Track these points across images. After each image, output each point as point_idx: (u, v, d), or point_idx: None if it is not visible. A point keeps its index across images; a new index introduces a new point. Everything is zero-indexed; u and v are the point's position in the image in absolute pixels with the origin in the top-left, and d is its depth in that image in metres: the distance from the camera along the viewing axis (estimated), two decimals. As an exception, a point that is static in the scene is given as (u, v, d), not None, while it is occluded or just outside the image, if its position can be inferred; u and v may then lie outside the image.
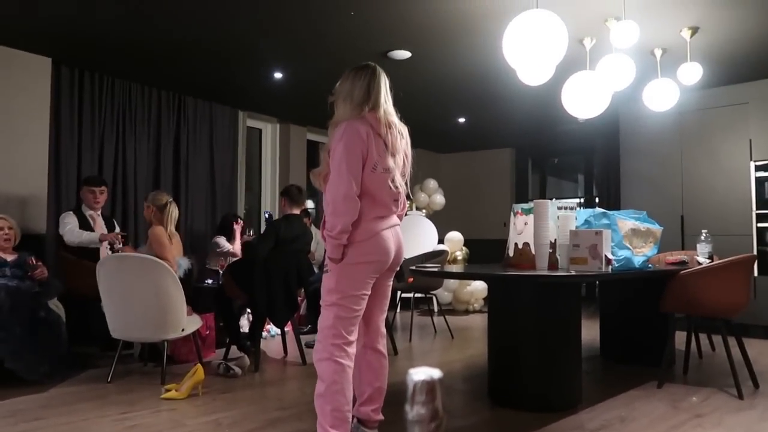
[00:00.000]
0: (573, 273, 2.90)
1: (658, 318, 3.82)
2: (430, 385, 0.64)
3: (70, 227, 4.35)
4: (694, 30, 4.20)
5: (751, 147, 5.46)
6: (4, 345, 3.37)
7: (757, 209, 5.39)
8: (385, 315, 2.48)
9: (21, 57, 4.56)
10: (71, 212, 4.49)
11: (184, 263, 4.08)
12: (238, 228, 5.47)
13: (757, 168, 5.43)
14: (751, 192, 5.42)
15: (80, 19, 4.00)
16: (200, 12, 3.91)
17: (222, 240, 5.35)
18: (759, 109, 5.46)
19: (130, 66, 5.03)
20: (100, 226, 4.60)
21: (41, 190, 4.69)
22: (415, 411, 0.63)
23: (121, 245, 4.29)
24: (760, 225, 5.37)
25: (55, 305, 3.89)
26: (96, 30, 4.21)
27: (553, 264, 3.08)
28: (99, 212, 4.62)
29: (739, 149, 5.53)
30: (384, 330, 2.47)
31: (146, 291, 3.58)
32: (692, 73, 4.31)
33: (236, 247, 5.34)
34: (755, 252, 5.29)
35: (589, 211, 3.33)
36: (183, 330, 3.72)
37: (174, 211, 3.99)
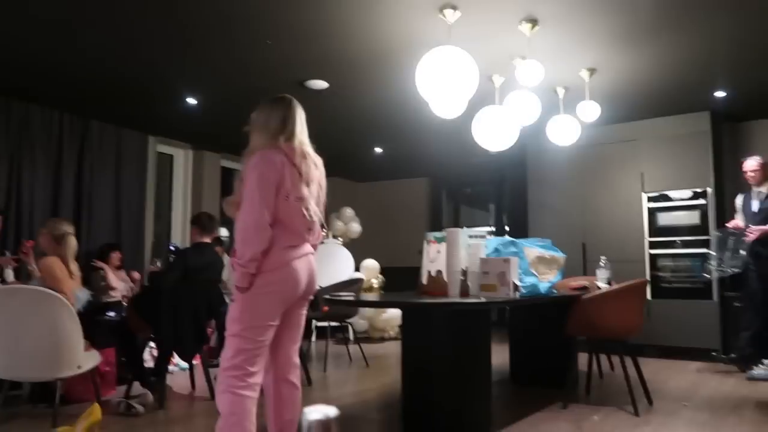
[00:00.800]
0: (483, 300, 2.98)
1: (562, 342, 3.99)
2: (325, 426, 0.62)
3: None
4: (592, 71, 4.53)
5: (643, 180, 5.91)
6: None
7: (649, 236, 5.82)
8: (298, 345, 2.44)
9: None
10: None
11: (83, 296, 3.82)
12: (115, 258, 5.22)
13: (649, 199, 5.87)
14: (644, 221, 5.85)
15: (-29, 34, 3.74)
16: (110, 35, 3.76)
17: (97, 277, 5.08)
18: (648, 145, 5.93)
19: (30, 85, 4.73)
20: (-9, 257, 4.25)
21: None
22: None
23: (12, 273, 3.97)
24: (651, 251, 5.79)
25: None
26: (-11, 46, 3.94)
27: (464, 291, 3.16)
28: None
29: (633, 181, 5.96)
30: (297, 360, 2.42)
31: (39, 326, 3.31)
32: (590, 110, 4.62)
33: (109, 280, 5.06)
34: (648, 277, 5.69)
35: (499, 239, 3.46)
36: (79, 367, 3.45)
37: (73, 243, 3.75)
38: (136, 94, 4.96)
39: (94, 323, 4.57)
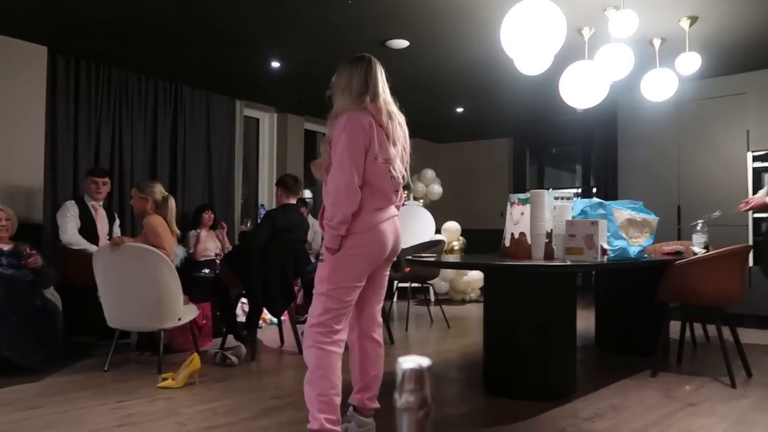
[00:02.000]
0: (569, 263, 2.90)
1: (652, 308, 3.83)
2: (418, 374, 0.64)
3: (71, 233, 4.33)
4: (693, 19, 4.18)
5: (749, 137, 5.45)
6: (0, 333, 3.37)
7: (753, 200, 5.39)
8: (381, 304, 2.49)
9: (16, 45, 4.53)
10: (73, 202, 4.48)
11: (180, 252, 4.07)
12: (208, 219, 5.47)
13: (755, 158, 5.43)
14: (748, 182, 5.42)
15: (76, 7, 3.97)
16: (195, 3, 3.88)
17: (192, 236, 5.37)
18: (757, 99, 5.45)
19: (127, 54, 5.01)
20: (102, 217, 4.61)
21: (38, 180, 4.68)
22: (403, 399, 0.63)
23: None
24: (755, 215, 5.37)
25: (52, 294, 3.89)
26: (92, 18, 4.18)
27: (549, 254, 3.09)
28: (101, 203, 4.62)
29: (737, 140, 5.52)
30: (380, 319, 2.48)
31: (143, 280, 3.59)
32: (691, 62, 4.29)
33: (200, 245, 5.32)
34: (750, 242, 5.30)
35: (586, 201, 3.33)
36: (180, 319, 3.72)
37: (173, 206, 3.97)
38: (224, 59, 5.12)
39: (191, 279, 4.89)
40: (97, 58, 5.08)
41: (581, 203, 3.29)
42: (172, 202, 3.95)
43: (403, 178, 2.33)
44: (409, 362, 0.62)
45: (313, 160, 2.33)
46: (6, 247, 3.77)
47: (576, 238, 2.99)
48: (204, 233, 5.42)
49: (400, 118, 2.34)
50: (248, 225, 4.79)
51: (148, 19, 4.22)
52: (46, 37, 4.56)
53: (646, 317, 4.03)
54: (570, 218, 3.14)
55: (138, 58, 5.10)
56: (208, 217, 5.50)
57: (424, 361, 0.62)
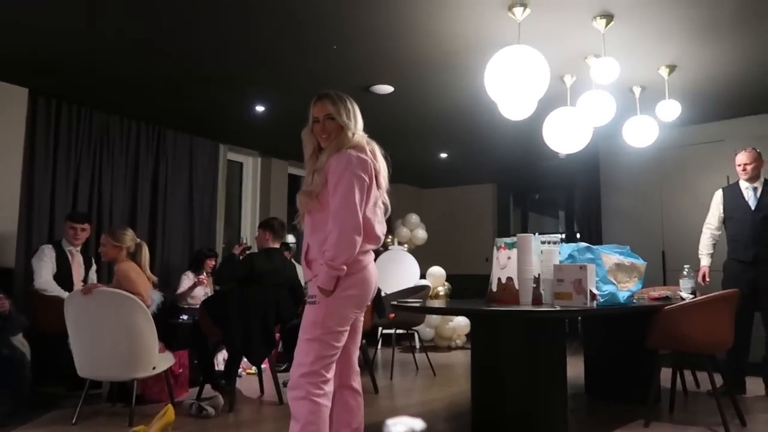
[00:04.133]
0: (558, 308, 2.84)
1: (642, 354, 3.75)
2: None
3: (45, 278, 4.18)
4: (672, 68, 4.28)
5: (729, 183, 5.52)
6: (-37, 384, 3.19)
7: (736, 245, 5.41)
8: (359, 351, 2.39)
9: (-4, 87, 4.48)
10: (51, 246, 4.35)
11: (157, 297, 3.94)
12: (209, 266, 5.35)
13: (735, 204, 5.47)
14: (730, 228, 5.45)
15: (58, 49, 3.95)
16: (181, 45, 3.88)
17: (185, 279, 5.23)
18: (735, 146, 5.52)
19: (109, 97, 4.97)
20: (78, 263, 4.47)
21: (12, 222, 4.55)
22: None
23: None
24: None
25: (20, 342, 3.71)
26: (74, 60, 4.15)
27: (537, 299, 3.02)
28: (78, 248, 4.48)
29: (718, 185, 5.55)
30: (358, 367, 2.38)
31: (116, 327, 3.44)
32: (670, 110, 4.36)
33: (185, 289, 5.22)
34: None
35: (573, 245, 3.29)
36: (154, 368, 3.56)
37: (147, 253, 3.87)
38: (208, 102, 5.11)
39: (168, 326, 4.72)
40: (79, 101, 5.04)
41: (568, 247, 3.25)
42: (145, 249, 3.85)
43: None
44: (399, 426, 0.52)
45: (304, 188, 2.23)
46: (-27, 292, 3.61)
47: (564, 282, 2.93)
48: (203, 279, 5.26)
49: (384, 160, 2.31)
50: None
51: (131, 62, 4.20)
52: (28, 78, 4.52)
53: (636, 364, 3.95)
54: (557, 263, 3.09)
55: (120, 101, 5.06)
56: (210, 264, 5.37)
57: (417, 425, 0.53)
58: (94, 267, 4.64)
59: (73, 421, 3.40)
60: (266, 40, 3.80)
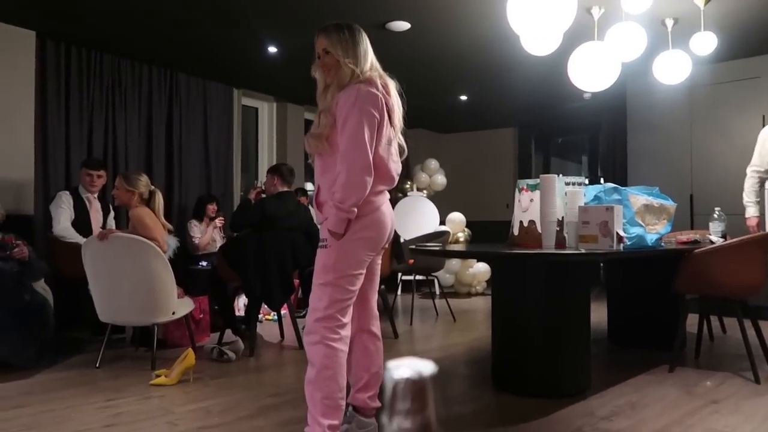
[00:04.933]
0: (583, 251, 2.73)
1: (667, 300, 3.66)
2: (417, 387, 0.43)
3: (63, 225, 4.17)
4: (708, -3, 3.99)
5: (764, 122, 5.25)
6: (-14, 329, 3.23)
7: (770, 187, 5.21)
8: (377, 295, 2.33)
9: (2, 30, 4.35)
10: (68, 192, 4.33)
11: (173, 243, 3.92)
12: (213, 211, 5.31)
13: (771, 144, 5.23)
14: (764, 169, 5.22)
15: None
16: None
17: (194, 228, 5.21)
18: (773, 83, 5.25)
19: (119, 40, 4.83)
20: (96, 210, 4.46)
21: (28, 170, 4.53)
22: (395, 426, 0.42)
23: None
24: (773, 203, 5.18)
25: (42, 288, 3.74)
26: (83, 1, 4.00)
27: (560, 242, 2.91)
28: (96, 195, 4.46)
29: (752, 125, 5.31)
30: (377, 311, 2.32)
31: (133, 272, 3.43)
32: (706, 42, 4.10)
33: (205, 237, 5.20)
34: (768, 231, 5.12)
35: (599, 186, 3.16)
36: (174, 313, 3.57)
37: (161, 200, 3.81)
38: (220, 43, 4.94)
39: (188, 272, 4.74)
40: (89, 44, 4.91)
41: (594, 188, 3.11)
42: (159, 196, 3.79)
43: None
44: (404, 370, 0.43)
45: (311, 131, 2.11)
46: (-8, 239, 3.62)
47: (590, 225, 2.81)
48: (209, 226, 5.26)
49: (398, 97, 2.17)
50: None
51: (140, 3, 4.04)
52: (34, 21, 4.38)
53: (661, 310, 3.86)
54: (582, 204, 2.96)
55: (131, 43, 4.92)
56: (212, 209, 5.34)
57: (426, 368, 0.43)
58: (112, 213, 4.62)
59: (97, 364, 3.45)
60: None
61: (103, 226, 4.46)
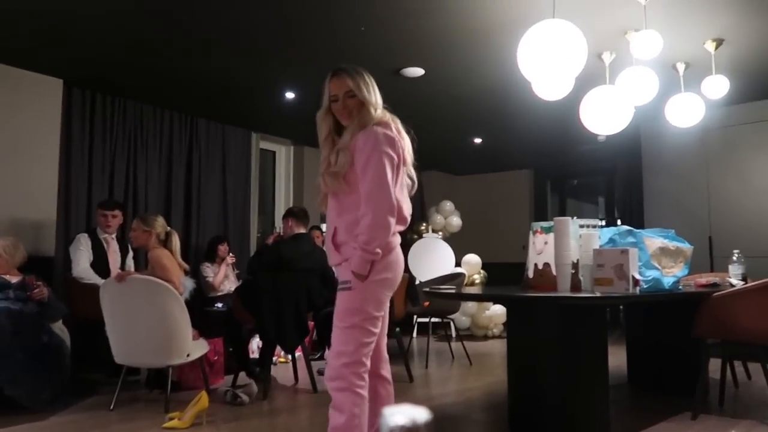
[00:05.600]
0: (598, 294, 2.71)
1: (689, 344, 3.58)
2: None
3: (82, 267, 4.25)
4: (719, 42, 4.05)
5: (782, 164, 5.24)
6: (5, 371, 3.26)
7: (790, 229, 5.14)
8: (386, 338, 2.32)
9: (32, 78, 4.54)
10: (86, 234, 4.42)
11: (189, 285, 3.96)
12: (224, 252, 5.36)
13: (788, 186, 5.20)
14: (783, 211, 5.18)
15: (91, 40, 3.98)
16: (211, 33, 3.86)
17: (207, 269, 5.27)
18: (788, 125, 5.25)
19: (142, 87, 5.01)
20: (114, 250, 4.53)
21: (51, 212, 4.64)
22: None
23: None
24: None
25: (60, 329, 3.78)
26: (107, 50, 4.18)
27: (575, 285, 2.89)
28: (113, 235, 4.55)
29: (767, 167, 5.31)
30: (387, 355, 2.30)
31: (150, 314, 3.46)
32: (718, 86, 4.14)
33: (219, 276, 5.24)
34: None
35: (614, 229, 3.15)
36: (188, 355, 3.57)
37: (177, 241, 3.86)
38: (239, 90, 5.09)
39: (203, 313, 4.75)
40: (113, 91, 5.09)
41: (609, 231, 3.10)
42: (175, 237, 3.84)
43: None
44: (398, 416, 0.43)
45: (328, 168, 2.10)
46: (14, 280, 3.68)
47: (605, 268, 2.80)
48: (221, 267, 5.31)
49: (408, 137, 2.21)
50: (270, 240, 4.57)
51: (162, 52, 4.21)
52: (63, 69, 4.57)
53: (682, 354, 3.77)
54: (597, 247, 2.95)
55: (153, 90, 5.09)
56: (223, 249, 5.40)
57: (421, 415, 0.43)
58: (130, 254, 4.70)
59: (111, 407, 3.44)
60: (296, 20, 3.73)
61: (122, 267, 4.53)
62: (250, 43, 4.07)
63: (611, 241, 3.03)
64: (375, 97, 2.14)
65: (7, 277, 3.68)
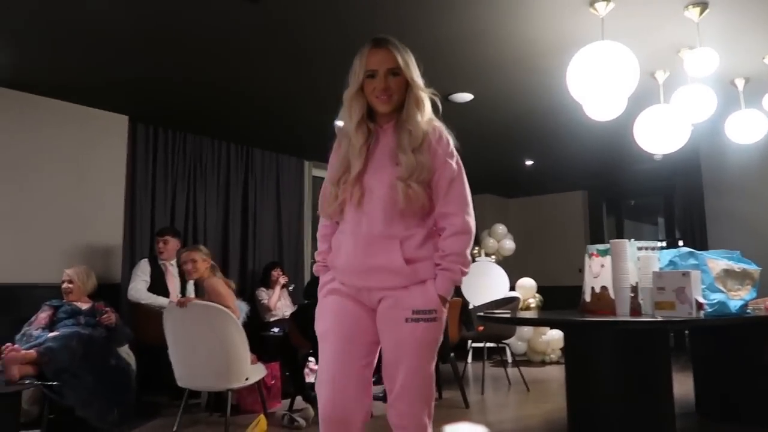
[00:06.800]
0: (660, 319, 2.63)
1: (761, 370, 3.41)
2: None
3: (136, 288, 4.43)
4: (780, 55, 3.92)
5: None
6: (76, 393, 3.41)
7: None
8: None
9: (100, 115, 4.83)
10: (146, 260, 4.63)
11: (244, 307, 4.07)
12: (277, 276, 5.47)
13: None
14: None
15: (156, 78, 4.21)
16: (266, 65, 4.02)
17: (262, 293, 5.39)
18: None
19: (202, 121, 5.24)
20: (172, 275, 4.71)
21: (117, 240, 4.88)
22: None
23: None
24: None
25: (126, 353, 3.95)
26: (170, 90, 4.42)
27: (635, 309, 2.82)
28: (172, 261, 4.73)
29: (842, 182, 5.03)
30: None
31: (210, 339, 3.57)
32: (781, 101, 3.99)
33: (273, 298, 5.34)
34: None
35: (674, 251, 3.06)
36: (247, 379, 3.66)
37: (220, 274, 3.98)
38: (293, 120, 5.25)
39: (260, 338, 4.85)
40: (174, 126, 5.35)
41: (669, 253, 3.02)
42: (218, 271, 3.96)
43: None
44: None
45: (406, 177, 1.71)
46: (84, 306, 3.89)
47: (665, 291, 2.72)
48: (275, 291, 5.43)
49: None
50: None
51: (221, 87, 4.40)
52: (129, 107, 4.85)
53: (754, 380, 3.59)
54: (657, 269, 2.87)
55: (211, 124, 5.32)
56: (277, 273, 5.52)
57: None
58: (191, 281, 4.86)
59: (174, 428, 3.55)
60: (346, 49, 3.84)
61: (183, 293, 4.69)
62: (301, 73, 4.20)
63: (672, 263, 2.95)
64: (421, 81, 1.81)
65: (79, 303, 3.89)
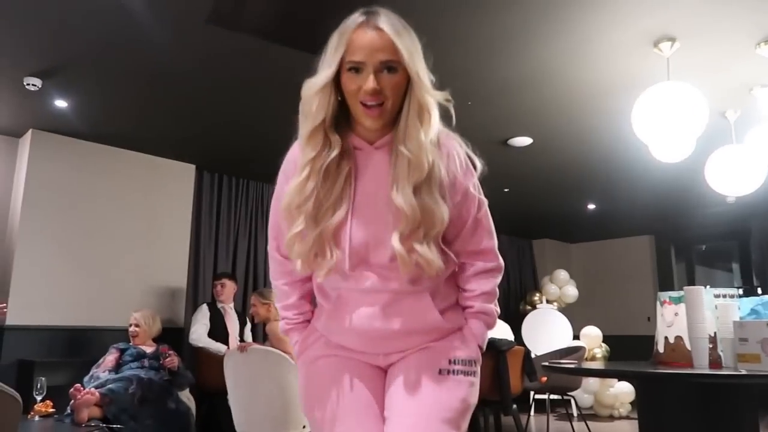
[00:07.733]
0: (744, 372, 2.43)
1: None
2: None
3: (195, 332, 4.49)
4: None
5: None
6: (136, 436, 3.46)
7: None
8: None
9: (169, 164, 5.08)
10: (206, 305, 4.72)
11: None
12: None
13: None
14: None
15: (222, 133, 4.40)
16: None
17: None
18: None
19: (262, 168, 5.40)
20: (232, 319, 4.77)
21: (181, 284, 5.02)
22: None
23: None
24: None
25: (187, 397, 3.99)
26: (235, 140, 4.61)
27: (715, 362, 2.61)
28: (231, 305, 4.81)
29: None
30: None
31: (269, 385, 3.56)
32: None
33: None
34: None
35: (756, 299, 2.84)
36: (304, 427, 3.61)
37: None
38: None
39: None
40: (238, 173, 5.54)
41: (750, 301, 2.81)
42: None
43: None
44: None
45: (402, 226, 1.21)
46: (149, 349, 3.97)
47: (749, 342, 2.51)
48: None
49: None
50: None
51: (281, 139, 4.53)
52: (196, 156, 5.07)
53: None
54: (737, 319, 2.67)
55: (271, 170, 5.46)
56: None
57: None
58: (248, 325, 4.91)
59: (232, 476, 3.52)
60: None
61: (241, 337, 4.74)
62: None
63: (754, 312, 2.73)
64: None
65: (144, 347, 3.98)
